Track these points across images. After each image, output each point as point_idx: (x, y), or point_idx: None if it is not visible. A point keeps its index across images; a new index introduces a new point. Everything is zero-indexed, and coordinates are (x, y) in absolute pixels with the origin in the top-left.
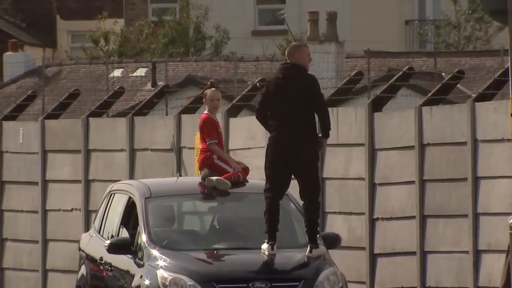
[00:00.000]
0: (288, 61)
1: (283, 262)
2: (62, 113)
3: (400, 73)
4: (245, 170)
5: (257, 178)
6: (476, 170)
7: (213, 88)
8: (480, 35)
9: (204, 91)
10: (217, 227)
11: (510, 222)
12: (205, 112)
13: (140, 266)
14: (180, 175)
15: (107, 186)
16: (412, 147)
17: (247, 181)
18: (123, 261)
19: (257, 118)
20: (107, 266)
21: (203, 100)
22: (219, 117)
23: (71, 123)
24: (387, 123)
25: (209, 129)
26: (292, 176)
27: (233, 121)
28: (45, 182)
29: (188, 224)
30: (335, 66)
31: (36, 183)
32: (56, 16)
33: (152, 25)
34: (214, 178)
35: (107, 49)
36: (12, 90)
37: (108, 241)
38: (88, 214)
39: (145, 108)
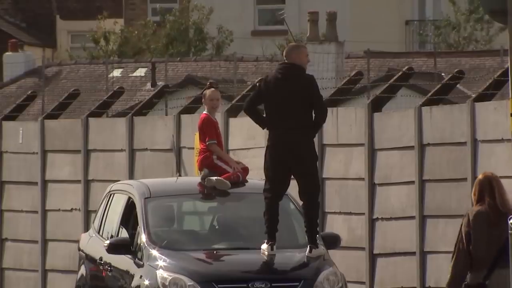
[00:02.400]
0: (286, 61)
1: (282, 262)
2: (62, 113)
3: (400, 73)
4: (245, 170)
5: (257, 178)
6: (476, 170)
7: (212, 88)
8: (482, 35)
9: (203, 91)
10: (217, 227)
11: (509, 222)
12: (204, 112)
13: (139, 266)
14: (180, 175)
15: (107, 186)
16: (412, 147)
17: (247, 181)
18: (122, 261)
19: (245, 112)
20: (106, 266)
21: (202, 100)
22: (219, 117)
23: (71, 123)
24: (387, 123)
25: (209, 129)
26: (292, 176)
27: (233, 121)
28: (44, 182)
29: (188, 224)
30: (335, 66)
31: (35, 183)
32: (56, 16)
33: (154, 24)
34: (214, 178)
35: (107, 49)
36: (12, 90)
37: (108, 241)
38: (87, 214)
39: (144, 108)
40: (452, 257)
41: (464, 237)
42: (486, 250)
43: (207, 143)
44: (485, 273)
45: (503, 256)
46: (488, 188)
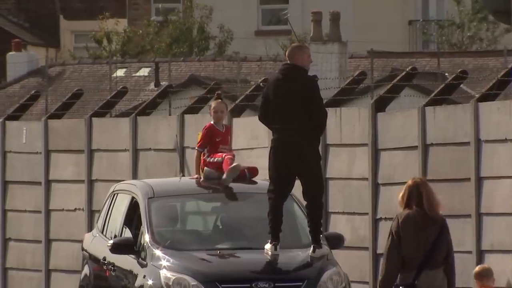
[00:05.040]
0: (288, 62)
1: (286, 262)
2: (65, 113)
3: (403, 73)
4: (253, 169)
5: (261, 178)
6: (479, 170)
7: (219, 100)
8: (486, 35)
9: (210, 102)
10: (220, 227)
11: None
12: (211, 122)
13: (143, 266)
14: (183, 175)
15: (110, 186)
16: (415, 147)
17: (256, 182)
18: (126, 261)
19: (260, 120)
20: (110, 266)
21: (209, 111)
22: None
23: (74, 123)
24: (390, 123)
25: (204, 137)
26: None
27: (236, 121)
28: (48, 182)
29: (191, 224)
30: (338, 66)
31: (39, 183)
32: (59, 16)
33: (158, 24)
34: (225, 174)
35: (110, 49)
36: (15, 90)
37: (111, 241)
38: (91, 214)
39: (148, 108)
40: (384, 258)
41: (394, 240)
42: (414, 252)
43: (196, 147)
44: (414, 274)
45: (431, 258)
46: (416, 194)
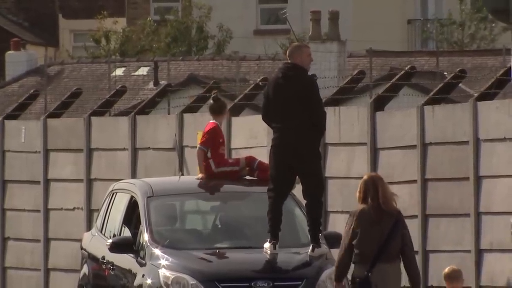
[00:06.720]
0: (289, 61)
1: (285, 261)
2: (64, 112)
3: (402, 72)
4: (263, 166)
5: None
6: (478, 169)
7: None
8: (485, 34)
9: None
10: (219, 226)
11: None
12: (213, 121)
13: (142, 265)
14: (182, 174)
15: (109, 185)
16: (414, 146)
17: (255, 181)
18: (125, 260)
19: (263, 120)
20: (109, 265)
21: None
22: None
23: (73, 122)
24: (389, 122)
25: (209, 138)
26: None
27: (235, 120)
28: (47, 181)
29: (190, 223)
30: (337, 65)
31: (38, 182)
32: (59, 15)
33: (154, 24)
34: None
35: (109, 48)
36: (14, 89)
37: (110, 240)
38: (90, 213)
39: (147, 107)
40: (340, 249)
41: (349, 233)
42: (368, 245)
43: (198, 146)
44: (368, 266)
45: (384, 252)
46: (372, 188)
